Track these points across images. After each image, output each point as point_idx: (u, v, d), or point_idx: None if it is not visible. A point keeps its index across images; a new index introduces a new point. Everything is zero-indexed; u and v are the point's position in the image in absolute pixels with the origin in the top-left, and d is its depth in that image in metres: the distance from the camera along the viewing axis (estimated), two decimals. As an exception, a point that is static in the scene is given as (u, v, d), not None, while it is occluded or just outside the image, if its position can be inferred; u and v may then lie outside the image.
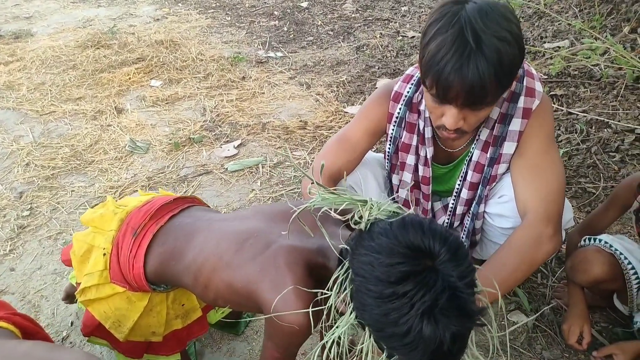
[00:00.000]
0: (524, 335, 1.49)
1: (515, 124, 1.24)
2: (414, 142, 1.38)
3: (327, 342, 0.84)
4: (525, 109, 1.23)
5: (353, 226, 0.87)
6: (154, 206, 1.16)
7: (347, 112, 2.78)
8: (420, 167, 1.40)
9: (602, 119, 2.26)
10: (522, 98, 1.23)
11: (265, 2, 4.99)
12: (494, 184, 1.33)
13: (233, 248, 1.01)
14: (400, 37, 3.80)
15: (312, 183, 0.89)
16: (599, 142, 2.17)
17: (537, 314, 1.51)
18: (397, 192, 1.48)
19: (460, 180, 1.38)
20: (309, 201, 0.89)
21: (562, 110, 2.42)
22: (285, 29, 4.22)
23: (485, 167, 1.31)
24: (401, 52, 3.55)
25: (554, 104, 2.49)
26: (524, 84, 1.23)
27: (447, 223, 1.46)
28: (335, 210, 0.86)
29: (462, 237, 1.44)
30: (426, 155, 1.37)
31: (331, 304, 0.87)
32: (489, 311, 0.87)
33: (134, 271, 1.11)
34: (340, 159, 1.38)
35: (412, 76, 1.35)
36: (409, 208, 1.43)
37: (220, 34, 4.19)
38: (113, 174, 2.37)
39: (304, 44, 3.88)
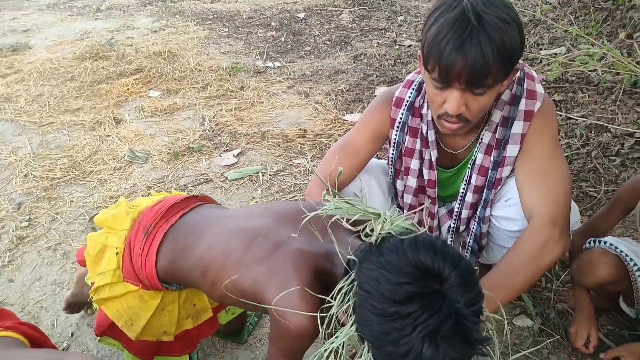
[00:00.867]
0: (530, 339, 1.48)
1: (517, 127, 1.24)
2: (418, 146, 1.38)
3: (325, 350, 0.83)
4: (526, 112, 1.23)
5: (364, 238, 0.85)
6: (165, 205, 1.17)
7: (346, 120, 2.79)
8: (425, 171, 1.40)
9: (602, 123, 2.27)
10: (523, 100, 1.23)
11: (262, 14, 5.03)
12: (499, 187, 1.33)
13: (241, 246, 1.00)
14: (397, 46, 3.83)
15: (327, 190, 0.88)
16: (599, 146, 2.18)
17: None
18: (402, 197, 1.48)
19: (464, 184, 1.38)
20: (322, 208, 0.88)
21: (561, 115, 2.43)
22: (283, 39, 4.24)
23: (490, 171, 1.31)
24: (398, 60, 3.57)
25: (553, 109, 2.49)
26: (525, 86, 1.23)
27: (453, 227, 1.45)
28: (347, 221, 0.85)
29: (469, 242, 1.43)
30: (430, 159, 1.37)
31: (333, 313, 0.85)
32: (494, 340, 0.86)
33: (146, 269, 1.12)
34: (344, 166, 1.37)
35: (413, 81, 1.36)
36: (415, 213, 1.42)
37: (218, 45, 4.21)
38: (112, 183, 2.36)
39: (301, 54, 3.90)
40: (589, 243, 1.40)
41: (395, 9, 4.76)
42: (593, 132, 2.28)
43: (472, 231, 1.42)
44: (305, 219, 0.87)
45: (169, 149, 2.60)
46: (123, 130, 2.83)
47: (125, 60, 3.81)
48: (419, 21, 4.35)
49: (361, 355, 0.81)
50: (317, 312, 0.88)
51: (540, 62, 2.93)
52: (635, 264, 1.29)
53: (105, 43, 4.16)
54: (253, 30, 4.54)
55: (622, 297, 1.45)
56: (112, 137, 2.76)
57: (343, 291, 0.85)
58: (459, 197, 1.41)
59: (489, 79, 1.05)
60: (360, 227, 0.85)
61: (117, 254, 1.16)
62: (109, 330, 1.22)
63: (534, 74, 1.26)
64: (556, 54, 2.93)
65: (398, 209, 1.53)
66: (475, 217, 1.40)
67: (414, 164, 1.40)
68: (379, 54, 3.68)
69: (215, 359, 1.49)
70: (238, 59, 3.85)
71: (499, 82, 1.09)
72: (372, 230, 0.84)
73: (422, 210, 1.44)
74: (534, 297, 1.60)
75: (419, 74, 1.34)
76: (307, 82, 3.36)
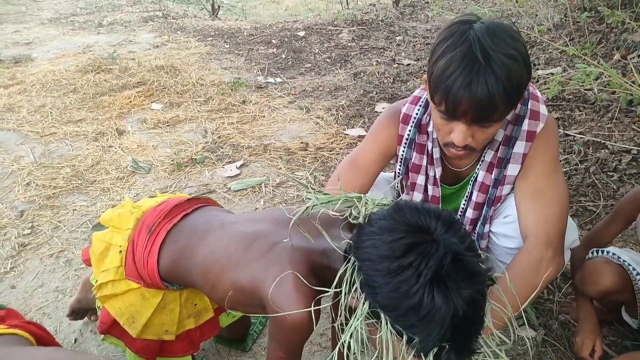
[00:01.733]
0: (533, 350, 1.49)
1: (519, 147, 1.25)
2: (424, 163, 1.39)
3: (344, 341, 0.84)
4: (529, 132, 1.24)
5: (352, 222, 0.92)
6: (169, 206, 1.21)
7: (347, 134, 2.82)
8: (430, 187, 1.42)
9: (599, 140, 2.31)
10: (526, 121, 1.24)
11: (263, 32, 5.11)
12: (498, 204, 1.35)
13: (241, 248, 1.05)
14: (396, 65, 3.90)
15: (307, 189, 0.95)
16: (597, 162, 2.22)
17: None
18: None
19: (465, 200, 1.40)
20: (307, 204, 0.95)
21: (559, 132, 2.48)
22: (284, 56, 4.30)
23: (490, 188, 1.33)
24: (397, 78, 3.63)
25: (551, 126, 2.54)
26: (529, 106, 1.24)
27: None
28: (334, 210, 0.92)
29: None
30: (435, 175, 1.39)
31: (342, 302, 0.88)
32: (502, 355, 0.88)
33: (148, 267, 1.15)
34: (353, 183, 1.39)
35: (420, 98, 1.37)
36: None
37: (220, 61, 4.26)
38: (115, 193, 2.36)
39: (302, 71, 3.95)
40: (592, 253, 1.43)
41: (394, 29, 4.85)
42: (591, 148, 2.32)
43: None
44: (293, 220, 0.94)
45: (172, 160, 2.62)
46: (126, 141, 2.84)
47: (128, 73, 3.84)
48: (416, 41, 4.43)
49: (381, 330, 0.83)
50: (312, 304, 0.92)
51: (537, 80, 2.99)
52: (638, 273, 1.31)
53: (107, 56, 4.20)
54: (254, 47, 4.60)
55: (624, 307, 1.47)
56: (115, 148, 2.77)
57: (347, 276, 0.87)
58: (460, 213, 1.43)
59: (496, 115, 1.07)
60: (347, 213, 0.92)
61: (120, 252, 1.19)
62: (112, 328, 1.24)
63: (539, 94, 1.27)
64: (552, 73, 3.00)
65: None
66: (475, 233, 1.42)
67: (420, 179, 1.42)
68: (378, 72, 3.74)
69: (220, 366, 1.49)
70: (239, 74, 3.89)
71: (506, 115, 1.11)
72: (358, 212, 0.91)
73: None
74: (537, 308, 1.62)
75: (425, 90, 1.37)
76: (308, 98, 3.41)
